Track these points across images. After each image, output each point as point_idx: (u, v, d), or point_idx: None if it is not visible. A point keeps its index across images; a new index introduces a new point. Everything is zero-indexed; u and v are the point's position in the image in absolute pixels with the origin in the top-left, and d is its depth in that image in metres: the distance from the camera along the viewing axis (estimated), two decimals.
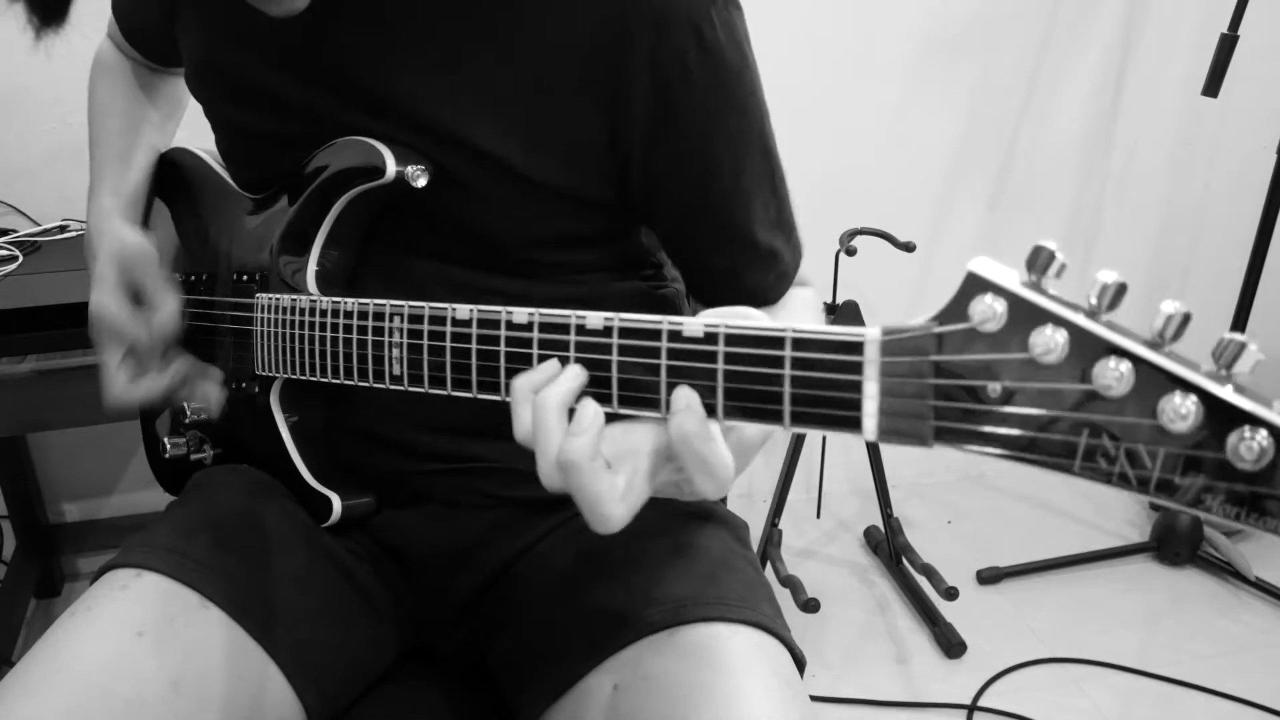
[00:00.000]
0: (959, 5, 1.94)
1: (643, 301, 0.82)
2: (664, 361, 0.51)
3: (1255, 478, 0.36)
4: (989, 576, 1.92)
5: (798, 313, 0.78)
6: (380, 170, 0.69)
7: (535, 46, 0.68)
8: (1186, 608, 1.86)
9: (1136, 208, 2.18)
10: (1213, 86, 1.61)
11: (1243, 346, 0.36)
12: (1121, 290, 0.38)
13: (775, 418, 0.48)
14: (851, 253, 1.66)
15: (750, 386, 0.48)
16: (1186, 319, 0.37)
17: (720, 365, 0.49)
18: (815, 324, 0.70)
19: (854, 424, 0.45)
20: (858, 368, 0.44)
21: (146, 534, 0.76)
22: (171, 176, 0.92)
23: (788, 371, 0.47)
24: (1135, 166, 2.14)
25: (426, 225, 0.74)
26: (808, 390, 0.46)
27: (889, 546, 1.92)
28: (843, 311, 1.67)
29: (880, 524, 1.95)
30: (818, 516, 2.05)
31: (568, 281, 0.77)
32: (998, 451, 0.41)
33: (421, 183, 0.70)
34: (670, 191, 0.73)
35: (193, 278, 0.86)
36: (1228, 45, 1.59)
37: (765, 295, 0.78)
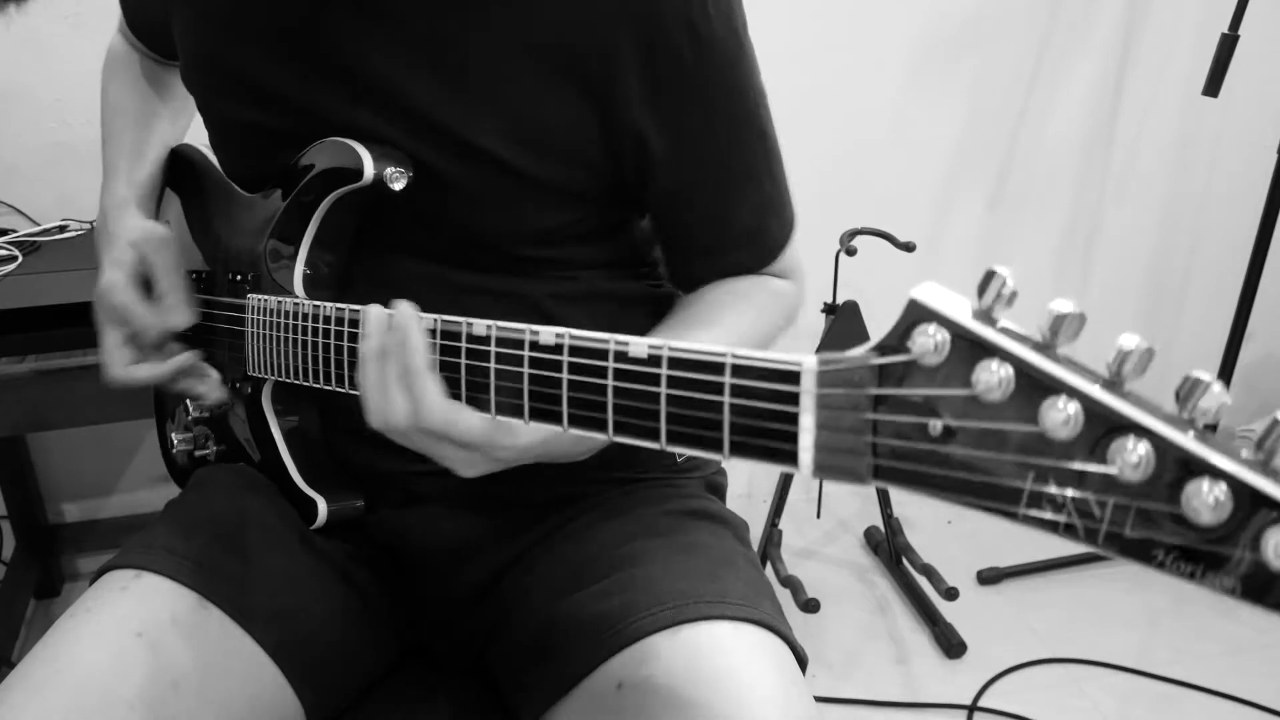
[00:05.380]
0: (959, 5, 1.93)
1: (639, 299, 0.82)
2: (610, 382, 0.49)
3: (1212, 534, 0.32)
4: (989, 576, 1.92)
5: (742, 316, 0.75)
6: (359, 173, 0.69)
7: (526, 35, 0.68)
8: (1186, 608, 1.86)
9: (1136, 208, 2.17)
10: (1213, 86, 1.61)
11: (1206, 387, 0.32)
12: (1078, 321, 0.35)
13: (716, 446, 0.46)
14: (851, 253, 1.65)
15: (692, 413, 0.46)
16: (1149, 355, 0.34)
17: (664, 389, 0.47)
18: (759, 333, 0.74)
19: (790, 457, 0.42)
20: (794, 398, 0.42)
21: (145, 535, 0.75)
22: (182, 171, 0.91)
23: (727, 399, 0.45)
24: (1135, 166, 2.14)
25: (413, 223, 0.74)
26: (746, 420, 0.44)
27: (889, 546, 1.92)
28: (843, 311, 1.67)
29: (880, 524, 1.94)
30: (818, 516, 2.04)
31: (560, 279, 0.77)
32: (937, 494, 0.38)
33: (399, 185, 0.69)
34: (663, 179, 0.73)
35: (195, 274, 0.85)
36: (1228, 45, 1.59)
37: (742, 271, 0.78)
